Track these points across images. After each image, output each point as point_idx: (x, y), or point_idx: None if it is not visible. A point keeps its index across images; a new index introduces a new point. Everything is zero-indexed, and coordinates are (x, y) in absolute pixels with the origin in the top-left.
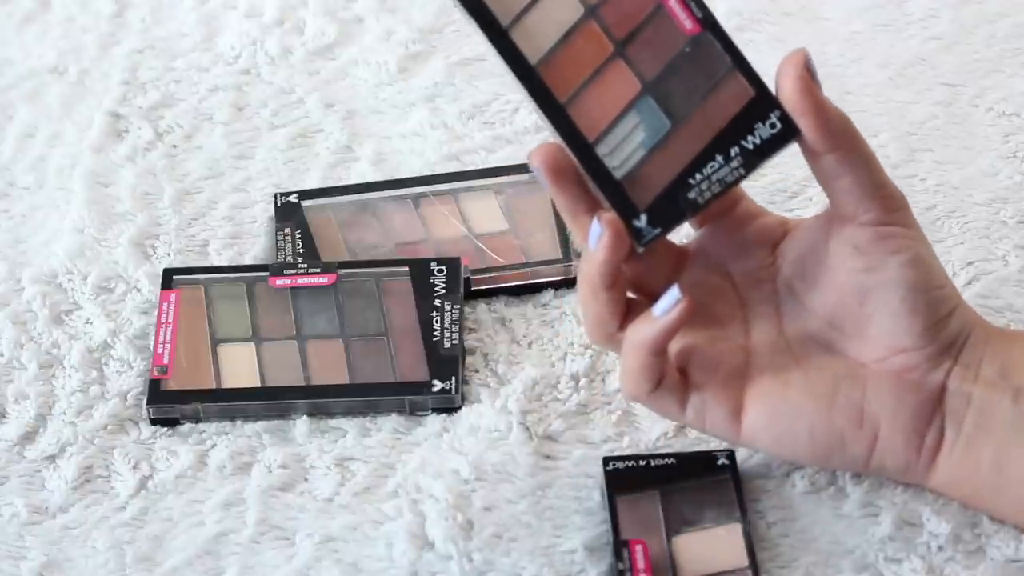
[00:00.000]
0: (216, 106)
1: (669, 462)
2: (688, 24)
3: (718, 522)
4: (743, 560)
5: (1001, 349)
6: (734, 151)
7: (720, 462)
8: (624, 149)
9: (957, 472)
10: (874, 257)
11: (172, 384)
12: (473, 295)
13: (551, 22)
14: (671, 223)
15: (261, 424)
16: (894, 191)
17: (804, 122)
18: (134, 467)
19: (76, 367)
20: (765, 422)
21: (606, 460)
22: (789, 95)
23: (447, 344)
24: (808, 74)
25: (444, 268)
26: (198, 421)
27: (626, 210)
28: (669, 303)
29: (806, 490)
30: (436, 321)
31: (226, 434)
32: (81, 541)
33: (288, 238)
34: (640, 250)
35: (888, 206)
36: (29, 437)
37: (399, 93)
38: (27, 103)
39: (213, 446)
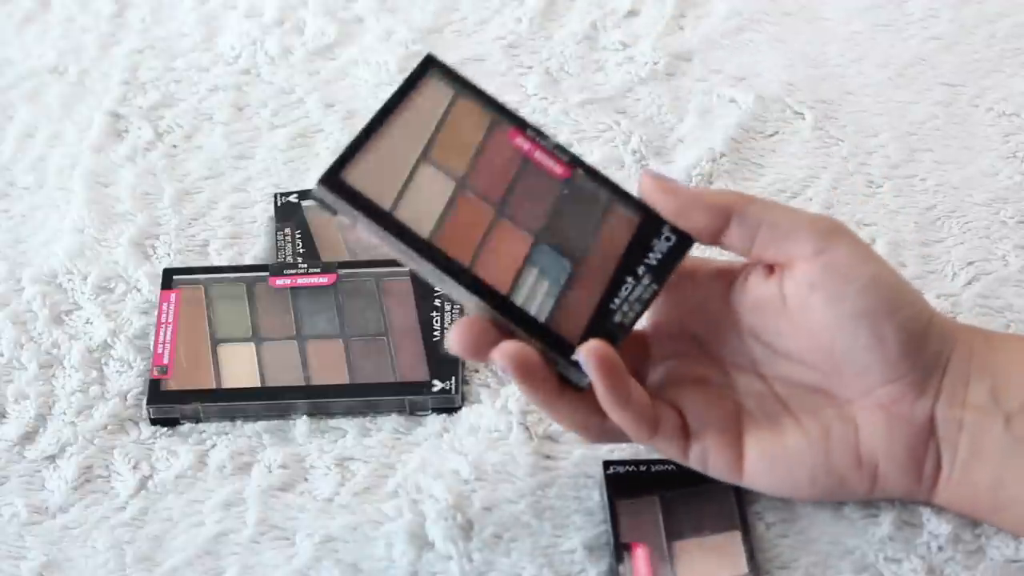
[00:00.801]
0: (216, 106)
1: (669, 467)
2: (558, 170)
3: (718, 529)
4: (743, 568)
5: (987, 362)
6: (641, 271)
7: None
8: (536, 296)
9: (957, 492)
10: (831, 288)
11: (172, 384)
12: None
13: (429, 198)
14: None
15: (261, 424)
16: (819, 217)
17: (695, 215)
18: (134, 467)
19: (76, 367)
20: (765, 468)
21: (606, 464)
22: (664, 205)
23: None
24: (665, 182)
25: None
26: (198, 421)
27: (561, 350)
28: (584, 368)
29: None
30: (436, 321)
31: (226, 434)
32: (81, 541)
33: (288, 238)
34: (585, 385)
35: (820, 231)
36: (29, 437)
37: None
38: (27, 103)
39: (213, 446)
